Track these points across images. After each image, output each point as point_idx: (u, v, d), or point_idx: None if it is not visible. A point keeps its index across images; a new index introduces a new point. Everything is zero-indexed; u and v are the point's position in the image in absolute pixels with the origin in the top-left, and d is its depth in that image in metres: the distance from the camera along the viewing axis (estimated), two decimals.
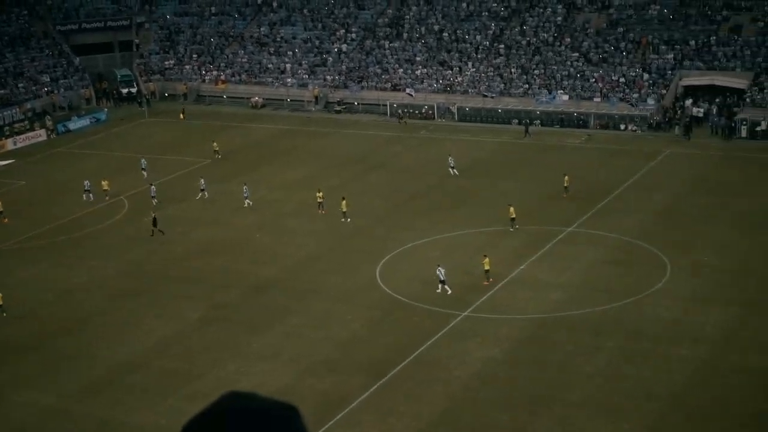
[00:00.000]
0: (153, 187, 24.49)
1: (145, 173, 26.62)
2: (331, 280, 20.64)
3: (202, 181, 25.15)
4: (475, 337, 17.88)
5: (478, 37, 34.48)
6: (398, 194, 25.84)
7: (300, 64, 35.14)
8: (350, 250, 22.31)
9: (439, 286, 18.85)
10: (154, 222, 22.23)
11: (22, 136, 32.59)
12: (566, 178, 24.07)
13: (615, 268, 20.50)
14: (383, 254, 21.55)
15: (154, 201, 24.18)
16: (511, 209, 21.89)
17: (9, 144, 32.11)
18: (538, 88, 32.59)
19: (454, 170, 26.23)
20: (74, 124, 33.82)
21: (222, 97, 34.99)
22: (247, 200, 24.39)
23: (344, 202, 23.17)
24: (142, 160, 27.34)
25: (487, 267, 19.33)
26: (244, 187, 24.52)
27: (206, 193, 24.98)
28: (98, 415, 15.43)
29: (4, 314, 18.94)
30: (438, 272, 18.82)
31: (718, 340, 16.86)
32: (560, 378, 16.19)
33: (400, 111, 32.61)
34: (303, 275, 20.95)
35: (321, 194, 23.58)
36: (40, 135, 32.95)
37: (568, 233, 22.56)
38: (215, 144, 29.07)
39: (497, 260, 20.23)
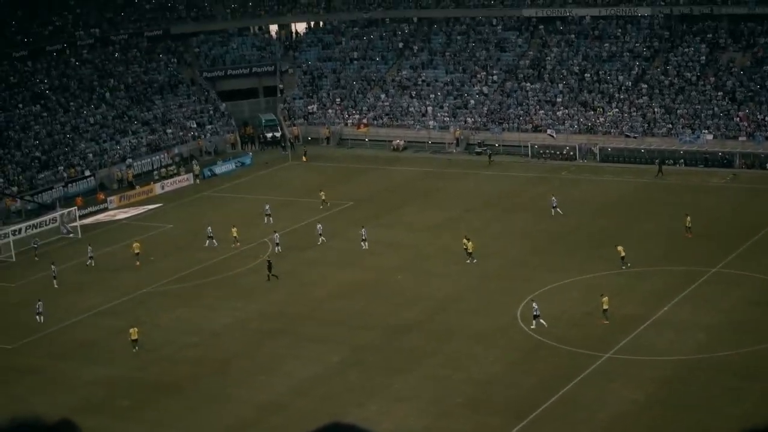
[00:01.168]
0: (276, 234, 25.48)
1: (269, 219, 27.75)
2: (471, 321, 21.15)
3: (319, 226, 26.03)
4: (617, 378, 18.02)
5: (621, 78, 35.74)
6: (539, 235, 26.57)
7: (441, 107, 37.03)
8: (491, 290, 22.82)
9: (533, 321, 19.32)
10: (269, 267, 23.21)
11: (170, 181, 34.51)
12: (688, 218, 24.41)
13: (762, 309, 20.53)
14: (524, 295, 21.77)
15: (277, 248, 25.17)
16: (620, 248, 22.36)
17: (157, 188, 33.97)
18: (682, 128, 33.29)
19: (557, 209, 26.82)
20: (220, 169, 35.64)
21: (364, 140, 36.92)
22: (364, 242, 25.03)
23: (470, 243, 23.63)
24: (266, 206, 28.56)
25: (605, 306, 19.50)
26: (362, 230, 25.30)
27: (323, 238, 25.73)
28: None
29: (135, 349, 20.04)
30: (533, 307, 19.32)
31: None
32: (705, 421, 16.13)
33: (542, 152, 33.12)
34: (443, 316, 21.60)
35: (469, 243, 23.70)
36: (187, 179, 34.65)
37: (713, 274, 22.72)
38: (322, 193, 29.84)
39: (639, 301, 20.89)
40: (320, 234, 25.98)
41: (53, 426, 0.91)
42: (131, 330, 19.95)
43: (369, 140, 37.22)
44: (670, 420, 16.19)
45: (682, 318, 19.94)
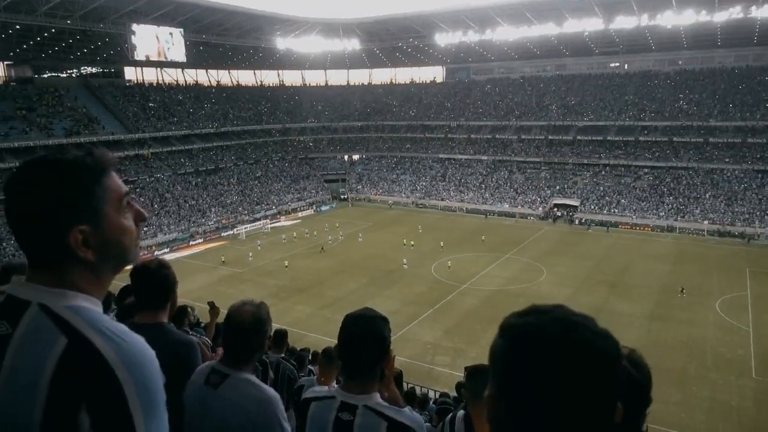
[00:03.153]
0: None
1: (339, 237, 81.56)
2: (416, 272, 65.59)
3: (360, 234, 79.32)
4: (468, 293, 41.92)
5: None
6: None
7: (416, 186, 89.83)
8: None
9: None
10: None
11: (302, 213, 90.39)
12: None
13: None
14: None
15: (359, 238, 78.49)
16: None
17: (300, 214, 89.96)
18: None
19: None
20: (324, 207, 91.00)
21: (378, 200, 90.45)
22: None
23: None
24: (336, 224, 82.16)
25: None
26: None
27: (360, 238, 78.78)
28: None
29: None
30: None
31: None
32: None
33: None
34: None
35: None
36: (311, 211, 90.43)
37: None
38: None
39: None
40: (359, 238, 79.78)
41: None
42: None
43: (380, 200, 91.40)
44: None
45: None
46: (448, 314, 38.26)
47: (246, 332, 2.42)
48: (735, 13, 67.02)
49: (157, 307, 2.84)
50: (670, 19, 69.37)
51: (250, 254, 53.32)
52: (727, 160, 72.83)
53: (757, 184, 68.55)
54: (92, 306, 1.24)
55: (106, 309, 4.44)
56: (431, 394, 24.55)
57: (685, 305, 38.57)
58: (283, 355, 6.37)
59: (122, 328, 1.21)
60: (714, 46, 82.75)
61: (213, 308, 5.62)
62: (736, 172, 71.06)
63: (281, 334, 6.66)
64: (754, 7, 66.64)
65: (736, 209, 65.84)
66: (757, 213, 64.24)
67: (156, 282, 2.82)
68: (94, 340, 1.15)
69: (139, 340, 1.19)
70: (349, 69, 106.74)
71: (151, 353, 1.19)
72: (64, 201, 1.20)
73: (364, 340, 2.10)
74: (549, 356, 0.96)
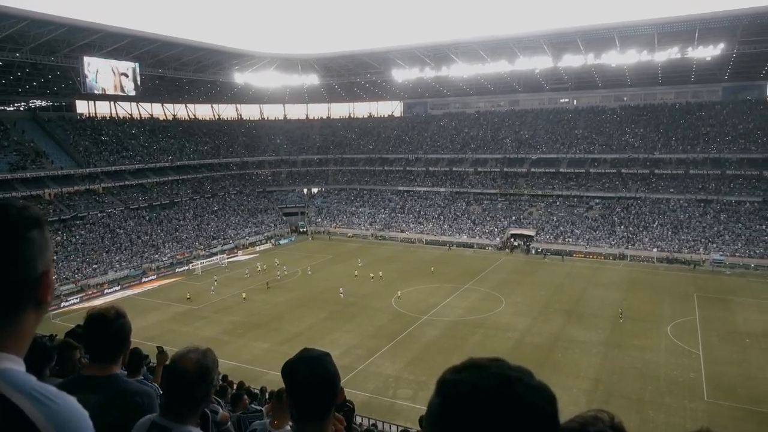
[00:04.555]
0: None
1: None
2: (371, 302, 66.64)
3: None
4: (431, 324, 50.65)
5: None
6: None
7: (375, 219, 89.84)
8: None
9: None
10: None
11: (260, 247, 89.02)
12: None
13: None
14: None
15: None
16: None
17: (258, 248, 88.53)
18: None
19: None
20: (283, 241, 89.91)
21: (337, 233, 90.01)
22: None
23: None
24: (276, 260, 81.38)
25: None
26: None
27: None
28: None
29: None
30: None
31: None
32: None
33: None
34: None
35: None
36: (270, 245, 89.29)
37: None
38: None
39: None
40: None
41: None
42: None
43: (340, 233, 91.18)
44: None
45: None
46: (409, 346, 38.00)
47: (190, 382, 2.27)
48: (673, 53, 71.23)
49: (111, 360, 2.68)
50: (614, 59, 73.09)
51: (212, 289, 52.20)
52: (671, 190, 76.28)
53: (699, 213, 71.88)
54: (17, 366, 1.17)
55: (49, 361, 4.17)
56: (393, 429, 24.10)
57: (639, 331, 39.54)
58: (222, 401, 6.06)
59: (51, 390, 1.15)
60: (656, 83, 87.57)
61: (161, 353, 5.44)
62: (681, 201, 74.42)
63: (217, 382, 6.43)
64: (690, 48, 71.17)
65: (683, 237, 68.67)
66: (702, 240, 67.14)
67: (112, 332, 2.66)
68: (21, 404, 1.09)
69: (69, 401, 1.15)
70: (308, 103, 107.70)
71: (83, 414, 1.15)
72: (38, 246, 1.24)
73: (315, 384, 1.99)
74: (484, 414, 0.94)
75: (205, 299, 49.25)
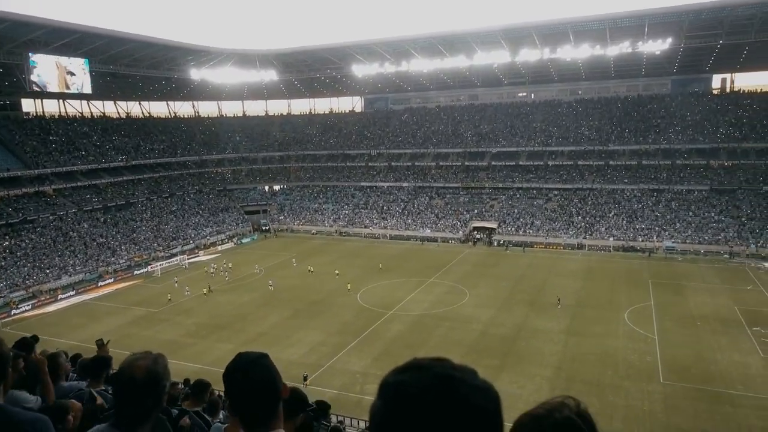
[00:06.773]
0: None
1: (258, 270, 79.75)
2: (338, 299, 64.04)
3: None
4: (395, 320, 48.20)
5: None
6: None
7: (339, 216, 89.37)
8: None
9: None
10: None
11: (222, 246, 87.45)
12: None
13: None
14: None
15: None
16: None
17: (219, 248, 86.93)
18: None
19: None
20: (245, 240, 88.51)
21: (301, 231, 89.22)
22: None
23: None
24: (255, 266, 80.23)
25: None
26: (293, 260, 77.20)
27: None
28: None
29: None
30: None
31: None
32: None
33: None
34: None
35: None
36: (232, 244, 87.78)
37: None
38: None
39: None
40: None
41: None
42: None
43: (303, 230, 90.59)
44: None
45: None
46: (376, 342, 38.04)
47: (140, 390, 2.17)
48: (624, 47, 73.45)
49: None
50: (568, 53, 74.74)
51: (186, 289, 50.90)
52: (625, 180, 78.74)
53: (652, 202, 74.47)
54: None
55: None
56: (362, 425, 24.11)
57: (598, 318, 40.69)
58: (199, 408, 5.88)
59: None
60: (608, 77, 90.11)
61: (101, 347, 5.22)
62: (635, 191, 76.93)
63: (203, 386, 6.20)
64: (640, 43, 73.45)
65: (637, 226, 71.03)
66: (655, 228, 69.62)
67: None
68: None
69: None
70: (267, 99, 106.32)
71: None
72: None
73: (256, 390, 1.91)
74: (426, 416, 0.91)
75: (164, 302, 48.03)
